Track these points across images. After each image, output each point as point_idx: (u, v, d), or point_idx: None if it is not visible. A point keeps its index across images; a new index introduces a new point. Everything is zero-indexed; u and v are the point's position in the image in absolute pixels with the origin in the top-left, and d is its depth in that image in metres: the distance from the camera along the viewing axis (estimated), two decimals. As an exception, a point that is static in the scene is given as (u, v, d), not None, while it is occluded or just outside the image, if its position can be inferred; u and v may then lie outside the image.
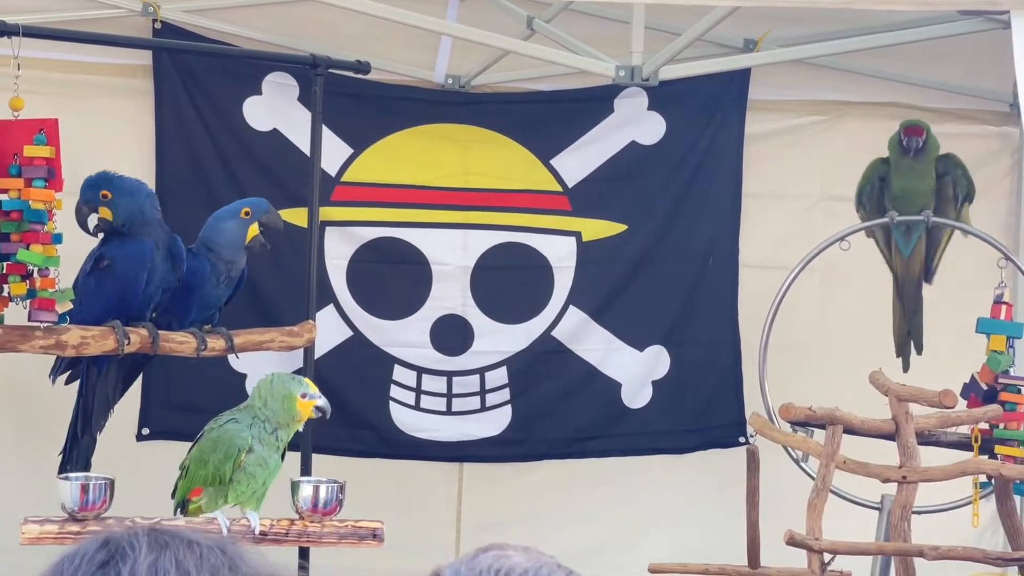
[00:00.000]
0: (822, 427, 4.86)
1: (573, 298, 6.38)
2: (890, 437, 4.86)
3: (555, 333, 6.37)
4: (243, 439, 4.32)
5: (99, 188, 4.73)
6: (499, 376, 6.35)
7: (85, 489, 4.09)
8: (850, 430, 4.82)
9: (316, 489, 4.28)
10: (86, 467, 4.85)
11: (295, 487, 4.32)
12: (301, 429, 4.43)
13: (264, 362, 5.70)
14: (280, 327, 5.23)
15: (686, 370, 6.42)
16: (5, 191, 4.50)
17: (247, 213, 4.95)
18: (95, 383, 4.91)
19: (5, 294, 4.54)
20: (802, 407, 4.91)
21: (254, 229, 4.92)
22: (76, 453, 4.88)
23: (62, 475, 4.22)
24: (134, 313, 4.78)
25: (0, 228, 4.48)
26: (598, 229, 6.38)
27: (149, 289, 4.79)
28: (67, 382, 4.92)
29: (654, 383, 6.41)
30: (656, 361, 6.41)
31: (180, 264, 4.88)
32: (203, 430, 4.46)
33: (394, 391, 6.30)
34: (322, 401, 4.38)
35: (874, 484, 5.02)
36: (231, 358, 5.32)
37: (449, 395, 6.34)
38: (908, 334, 5.71)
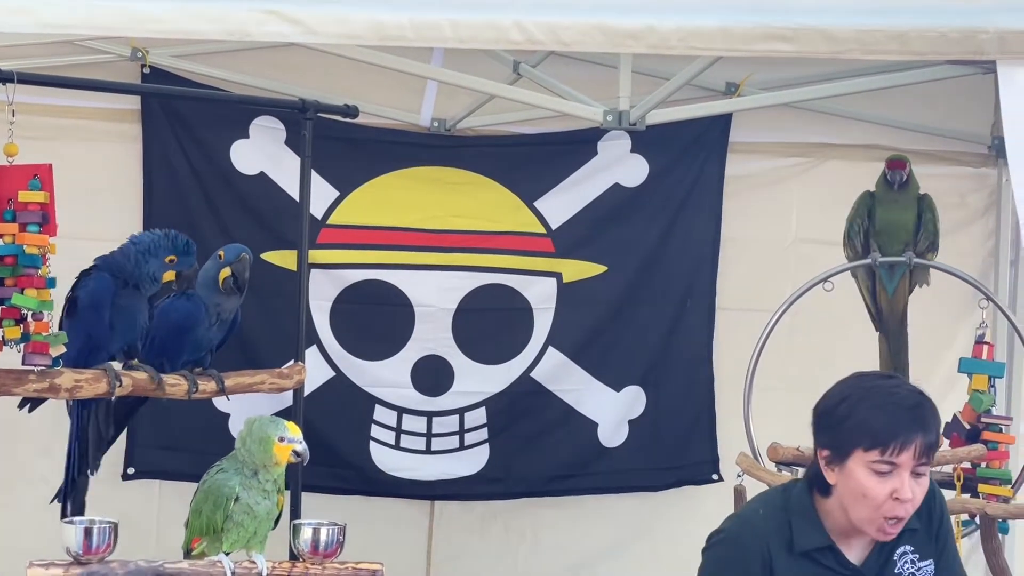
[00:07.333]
0: (808, 467, 4.90)
1: (552, 339, 6.43)
2: (876, 476, 4.90)
3: (534, 374, 6.43)
4: (230, 488, 4.33)
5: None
6: (478, 416, 6.40)
7: (89, 533, 4.08)
8: (837, 470, 4.86)
9: (316, 532, 4.29)
10: (82, 508, 4.87)
11: (295, 529, 4.32)
12: (280, 473, 4.44)
13: (249, 402, 5.73)
14: (270, 369, 5.25)
15: (662, 410, 6.49)
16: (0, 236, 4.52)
17: (221, 256, 4.99)
18: (87, 423, 4.93)
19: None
20: (789, 447, 4.97)
21: (225, 271, 4.94)
22: (74, 493, 4.91)
23: (66, 519, 4.22)
24: (113, 349, 4.81)
25: (-5, 273, 4.51)
26: (578, 270, 6.43)
27: (119, 325, 4.81)
28: (30, 409, 4.93)
29: (630, 422, 6.47)
30: (633, 401, 6.47)
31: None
32: (200, 482, 4.48)
33: (375, 431, 6.34)
34: (301, 446, 4.37)
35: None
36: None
37: (429, 435, 6.38)
38: (894, 371, 5.75)
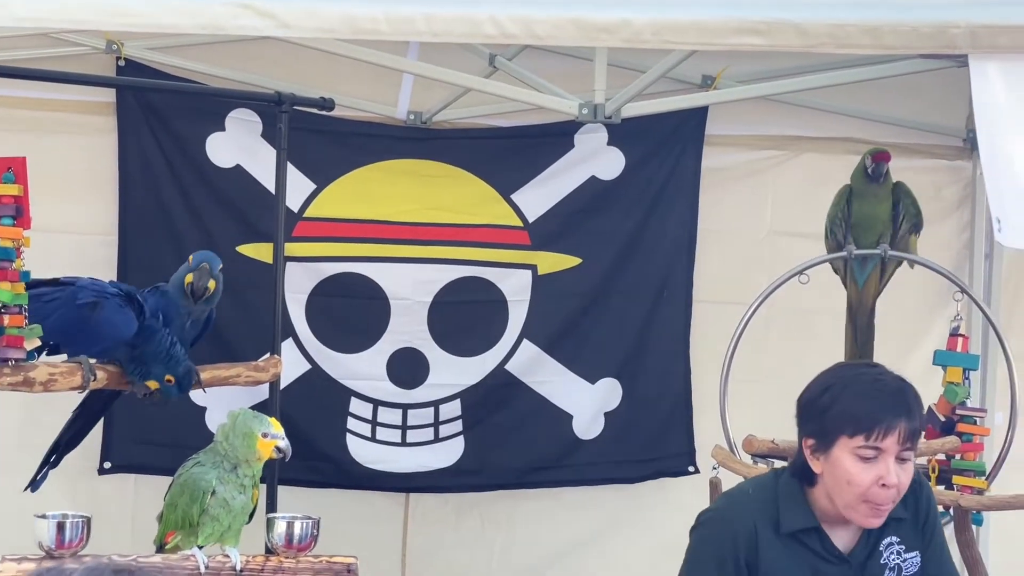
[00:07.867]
0: (784, 459, 4.91)
1: (527, 331, 6.43)
2: (851, 468, 4.92)
3: (508, 367, 6.42)
4: (207, 482, 4.33)
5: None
6: (453, 408, 6.40)
7: (62, 528, 4.08)
8: (812, 462, 4.87)
9: (291, 525, 4.29)
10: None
11: (270, 523, 4.32)
12: (260, 467, 4.44)
13: (226, 396, 5.73)
14: (246, 362, 5.25)
15: (638, 402, 6.49)
16: (-27, 230, 4.51)
17: (190, 260, 4.97)
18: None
19: (-28, 332, 4.53)
20: (764, 440, 4.98)
21: (189, 277, 4.93)
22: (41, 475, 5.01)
23: (39, 514, 4.21)
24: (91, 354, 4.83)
25: (-33, 266, 4.49)
26: (553, 262, 6.43)
27: (105, 344, 4.83)
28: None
29: (606, 415, 6.47)
30: (608, 393, 6.47)
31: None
32: (175, 475, 4.48)
33: (351, 423, 6.33)
34: (283, 443, 4.38)
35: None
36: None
37: (404, 427, 6.37)
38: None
